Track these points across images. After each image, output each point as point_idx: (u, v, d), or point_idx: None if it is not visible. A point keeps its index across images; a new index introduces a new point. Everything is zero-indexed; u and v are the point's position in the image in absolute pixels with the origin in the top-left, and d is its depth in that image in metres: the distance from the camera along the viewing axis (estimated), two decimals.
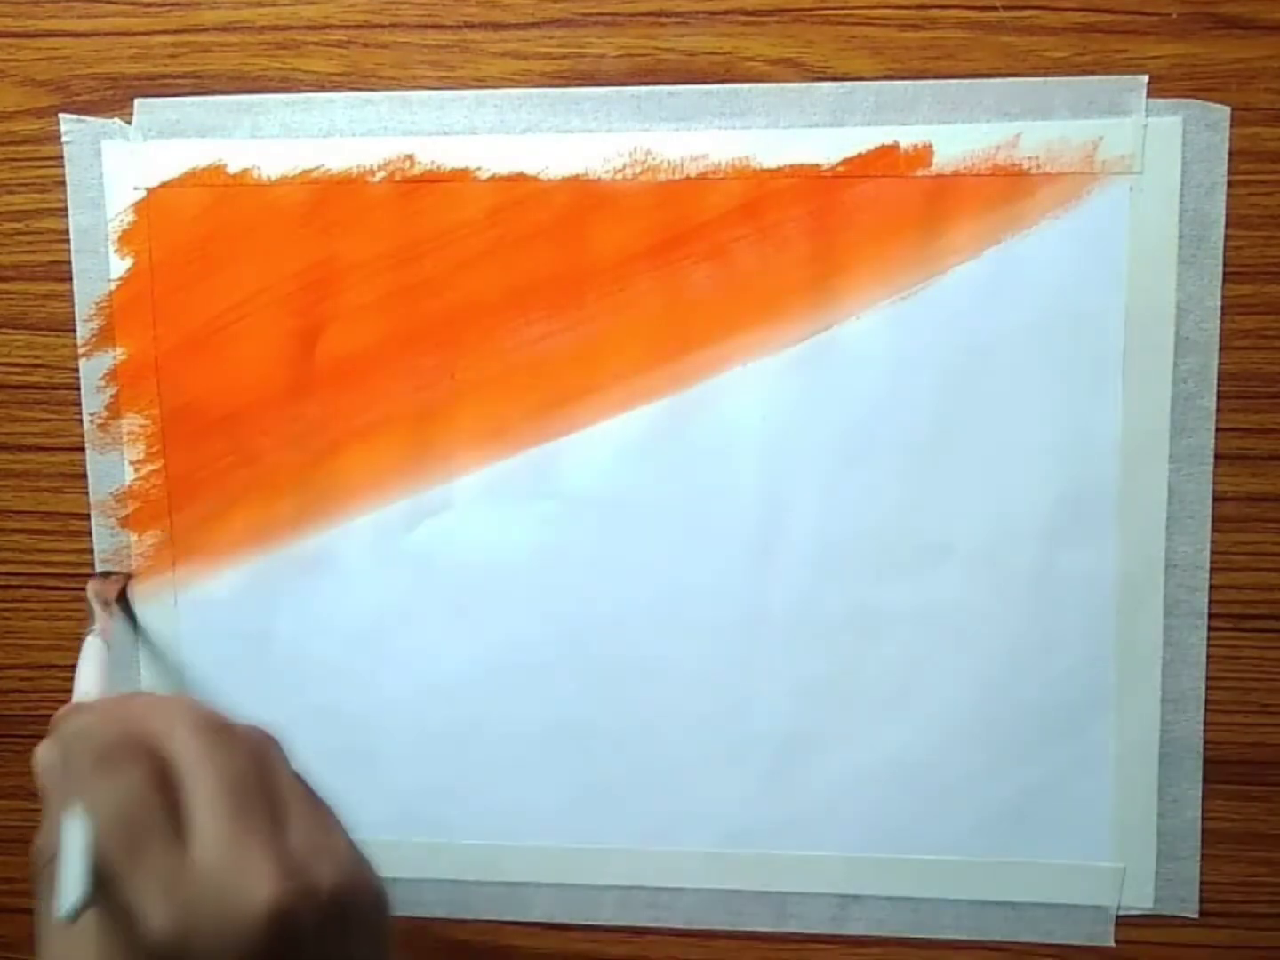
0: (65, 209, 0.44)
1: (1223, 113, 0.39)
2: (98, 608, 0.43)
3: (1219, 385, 0.41)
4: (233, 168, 0.43)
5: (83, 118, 0.43)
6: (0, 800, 0.48)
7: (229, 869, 0.27)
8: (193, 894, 0.27)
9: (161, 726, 0.30)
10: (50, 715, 0.47)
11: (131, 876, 0.27)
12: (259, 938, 0.27)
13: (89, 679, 0.40)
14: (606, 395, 0.43)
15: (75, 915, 0.27)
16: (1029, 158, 0.40)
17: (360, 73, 0.42)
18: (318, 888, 0.28)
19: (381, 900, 0.31)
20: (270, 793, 0.29)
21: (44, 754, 0.31)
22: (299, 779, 0.31)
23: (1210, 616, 0.42)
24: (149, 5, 0.42)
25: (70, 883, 0.27)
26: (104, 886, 0.27)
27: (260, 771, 0.30)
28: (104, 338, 0.44)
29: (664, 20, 0.41)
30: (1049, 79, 0.40)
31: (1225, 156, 0.40)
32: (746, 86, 0.41)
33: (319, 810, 0.31)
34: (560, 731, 0.45)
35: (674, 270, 0.42)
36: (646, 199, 0.41)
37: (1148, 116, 0.40)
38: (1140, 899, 0.44)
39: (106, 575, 0.45)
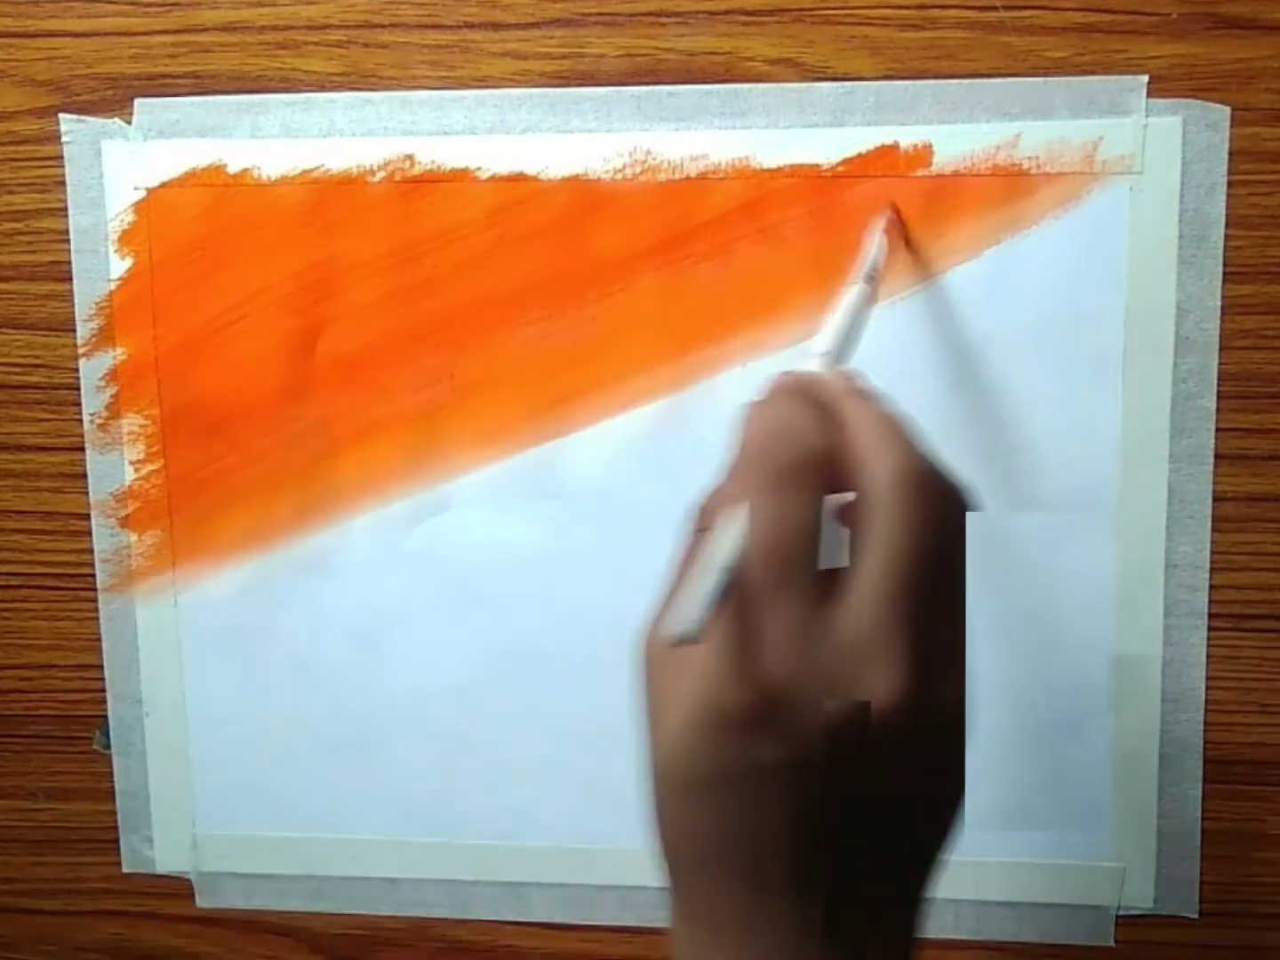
0: (65, 209, 0.44)
1: (1223, 113, 0.39)
2: (876, 251, 0.39)
3: (1219, 385, 0.41)
4: (233, 168, 0.43)
5: (83, 118, 0.43)
6: (0, 800, 0.49)
7: (869, 648, 0.25)
8: (823, 656, 0.25)
9: (871, 459, 0.26)
10: (50, 715, 0.47)
11: (762, 609, 0.25)
12: (867, 732, 0.25)
13: (832, 332, 0.34)
14: (606, 395, 0.43)
15: (689, 638, 0.25)
16: (1029, 158, 0.40)
17: (360, 73, 0.42)
18: (938, 702, 0.26)
19: (958, 750, 0.27)
20: (943, 582, 0.26)
21: (754, 416, 0.28)
22: (963, 569, 0.27)
23: (1210, 616, 0.42)
24: (149, 5, 0.42)
25: (696, 599, 0.25)
26: (732, 607, 0.25)
27: (944, 556, 0.26)
28: (104, 338, 0.44)
29: (664, 20, 0.41)
30: (1049, 79, 0.40)
31: (1225, 156, 0.40)
32: (746, 86, 0.41)
33: (961, 622, 0.27)
34: (560, 731, 0.45)
35: (674, 270, 0.42)
36: (646, 199, 0.41)
37: (1148, 116, 0.40)
38: (1140, 899, 0.44)
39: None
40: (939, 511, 0.26)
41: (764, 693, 0.25)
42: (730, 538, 0.26)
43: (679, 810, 0.27)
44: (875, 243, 0.39)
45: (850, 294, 0.36)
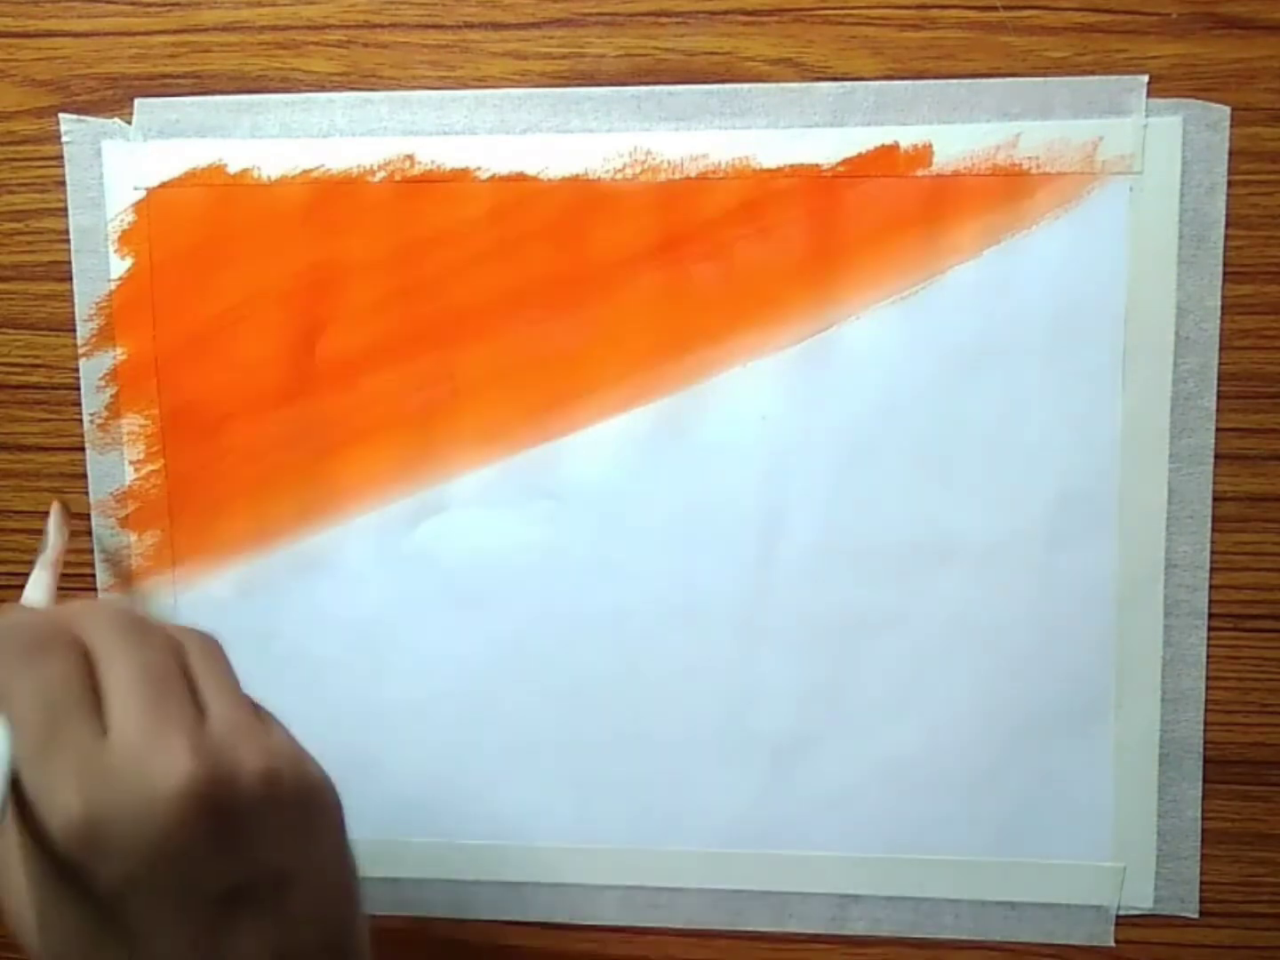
0: (65, 209, 0.44)
1: (1223, 113, 0.39)
2: (55, 535, 0.43)
3: (1219, 385, 0.41)
4: (233, 168, 0.43)
5: (83, 118, 0.43)
6: None
7: (143, 752, 0.27)
8: (106, 778, 0.26)
9: (86, 622, 0.29)
10: None
11: (47, 766, 0.27)
12: (173, 819, 0.26)
13: (33, 595, 0.40)
14: (606, 395, 0.43)
15: None
16: (1029, 158, 0.40)
17: (360, 73, 0.42)
18: (238, 770, 0.27)
19: (321, 793, 0.29)
20: (192, 685, 0.29)
21: None
22: (231, 680, 0.30)
23: (1210, 616, 0.42)
24: (149, 5, 0.42)
25: None
26: (18, 786, 0.27)
27: (182, 665, 0.29)
28: (104, 338, 0.44)
29: (664, 20, 0.41)
30: (1049, 79, 0.40)
31: (1225, 156, 0.40)
32: (746, 86, 0.41)
33: (246, 706, 0.30)
34: (560, 731, 0.45)
35: (674, 270, 0.42)
36: (646, 199, 0.41)
37: (1148, 116, 0.40)
38: (1140, 899, 0.44)
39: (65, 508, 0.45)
40: (156, 636, 0.29)
41: (71, 833, 0.26)
42: None
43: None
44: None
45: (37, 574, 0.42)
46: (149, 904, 0.27)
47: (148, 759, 0.26)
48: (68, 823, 0.26)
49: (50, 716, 0.27)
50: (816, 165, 0.41)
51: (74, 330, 0.44)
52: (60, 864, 0.27)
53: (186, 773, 0.26)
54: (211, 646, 0.31)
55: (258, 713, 0.30)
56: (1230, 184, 0.40)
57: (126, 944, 0.27)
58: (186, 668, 0.29)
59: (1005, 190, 0.40)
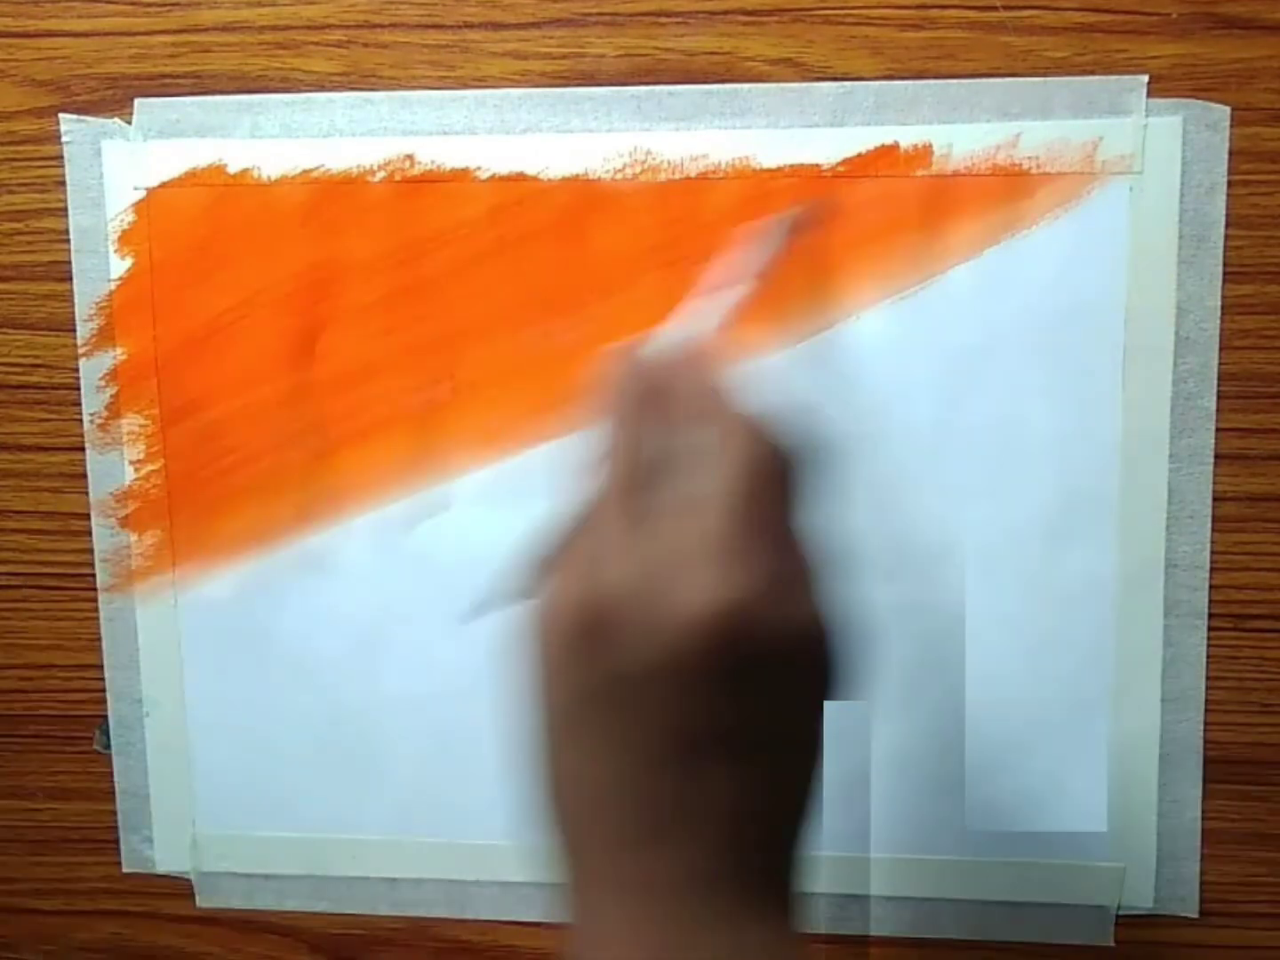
0: (65, 209, 0.44)
1: (1223, 113, 0.39)
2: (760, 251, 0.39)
3: (1219, 385, 0.41)
4: (233, 168, 0.43)
5: (83, 118, 0.43)
6: (0, 800, 0.49)
7: (699, 558, 0.26)
8: (653, 566, 0.26)
9: (710, 397, 0.29)
10: (50, 715, 0.47)
11: (602, 530, 0.27)
12: (694, 641, 0.25)
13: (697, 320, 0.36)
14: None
15: (469, 619, 0.27)
16: (1029, 158, 0.40)
17: (360, 73, 0.42)
18: (779, 619, 0.26)
19: (831, 672, 0.28)
20: (767, 517, 0.27)
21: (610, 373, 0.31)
22: (808, 522, 0.29)
23: (1210, 616, 0.42)
24: (149, 5, 0.42)
25: (494, 584, 0.27)
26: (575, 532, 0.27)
27: (762, 494, 0.27)
28: (104, 338, 0.44)
29: (664, 20, 0.41)
30: (1049, 79, 0.40)
31: (1225, 156, 0.40)
32: (746, 86, 0.41)
33: (805, 555, 0.28)
34: None
35: (674, 270, 0.42)
36: (646, 199, 0.41)
37: (1148, 116, 0.40)
38: (1140, 899, 0.44)
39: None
40: (755, 458, 0.28)
41: (605, 601, 0.26)
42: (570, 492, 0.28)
43: (556, 751, 0.28)
44: (768, 232, 0.39)
45: (723, 296, 0.37)
46: (636, 705, 0.26)
47: (698, 570, 0.26)
48: (602, 588, 0.26)
49: (635, 477, 0.27)
50: (816, 165, 0.41)
51: (74, 330, 0.44)
52: (577, 627, 0.26)
53: (724, 605, 0.25)
54: (799, 468, 0.29)
55: (810, 566, 0.28)
56: (1230, 184, 0.40)
57: (600, 735, 0.27)
58: (785, 490, 0.28)
59: (1005, 190, 0.40)
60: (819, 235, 0.41)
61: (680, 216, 0.41)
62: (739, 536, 0.26)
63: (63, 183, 0.44)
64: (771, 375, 0.42)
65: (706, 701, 0.26)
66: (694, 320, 0.36)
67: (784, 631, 0.26)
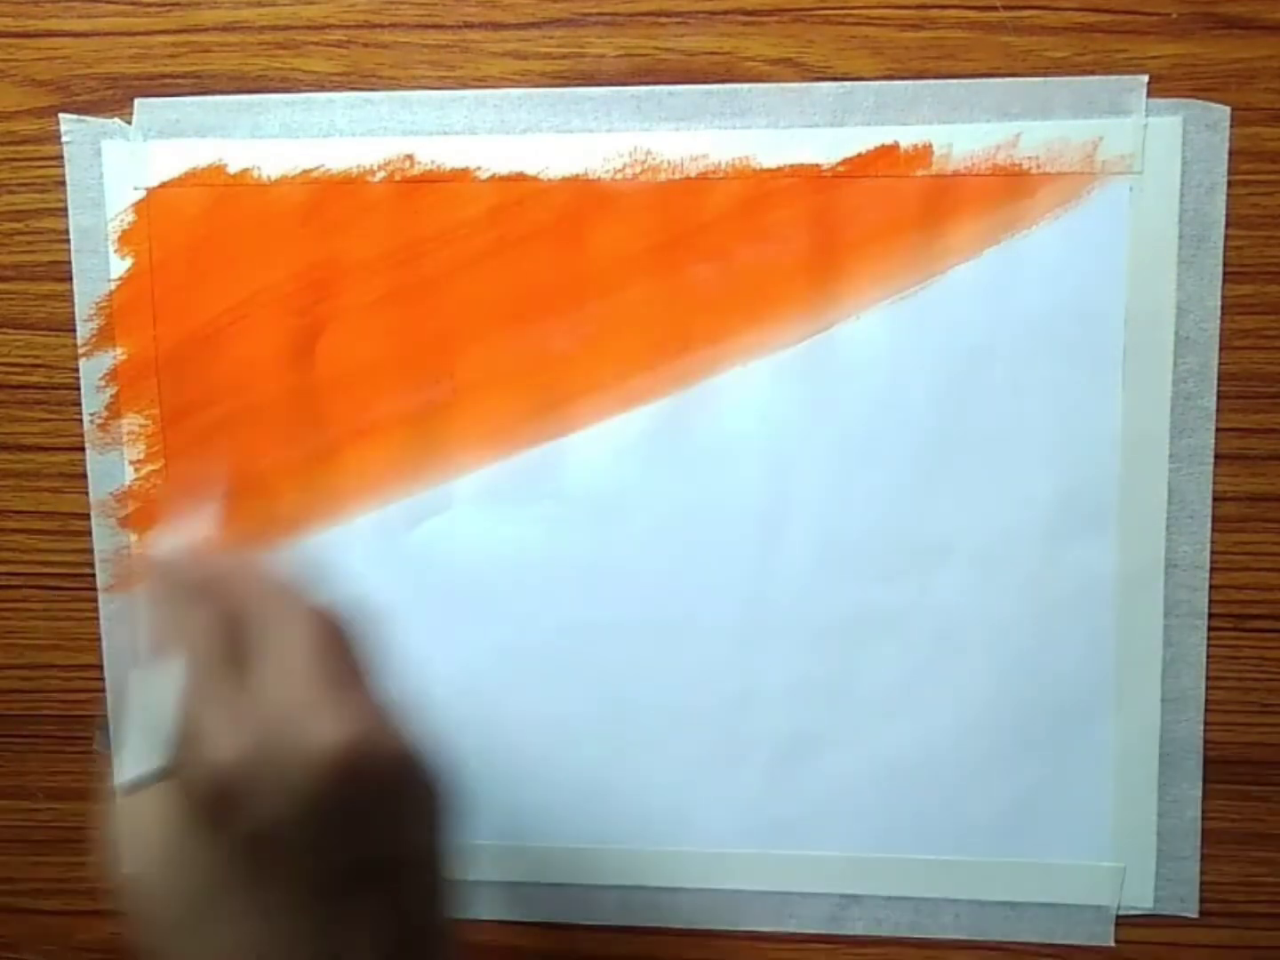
0: (65, 209, 0.44)
1: (1223, 113, 0.39)
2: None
3: (1219, 385, 0.41)
4: (233, 168, 0.43)
5: (83, 118, 0.43)
6: (0, 800, 0.48)
7: (305, 710, 0.27)
8: (266, 728, 0.27)
9: (247, 579, 0.31)
10: (50, 715, 0.47)
11: (205, 706, 0.28)
12: (322, 779, 0.27)
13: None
14: (606, 395, 0.43)
15: (147, 782, 0.28)
16: (1029, 158, 0.40)
17: (360, 73, 0.42)
18: (386, 750, 0.28)
19: (447, 790, 0.30)
20: (350, 656, 0.30)
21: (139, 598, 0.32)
22: (374, 661, 0.31)
23: (1210, 616, 0.42)
24: (149, 5, 0.42)
25: (142, 747, 0.28)
26: (177, 732, 0.28)
27: (335, 637, 0.30)
28: (104, 338, 0.44)
29: (664, 20, 0.41)
30: (1049, 79, 0.40)
31: (1225, 156, 0.40)
32: (746, 86, 0.41)
33: (384, 690, 0.31)
34: (560, 731, 0.45)
35: (674, 270, 0.42)
36: (646, 199, 0.41)
37: (1148, 116, 0.40)
38: (1140, 899, 0.44)
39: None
40: (314, 620, 0.30)
41: (222, 771, 0.27)
42: (163, 682, 0.29)
43: (207, 930, 0.28)
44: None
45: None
46: (278, 860, 0.27)
47: (308, 718, 0.27)
48: (222, 762, 0.27)
49: (216, 660, 0.28)
50: (816, 165, 0.41)
51: (74, 330, 0.44)
52: (206, 803, 0.27)
53: (344, 738, 0.27)
54: (356, 626, 0.31)
55: (393, 707, 0.30)
56: (1230, 184, 0.40)
57: (248, 896, 0.28)
58: (350, 645, 0.30)
59: (1005, 190, 0.40)
60: (820, 234, 0.41)
61: (680, 216, 0.41)
62: (332, 684, 0.28)
63: (63, 183, 0.44)
64: (771, 375, 0.42)
65: (340, 838, 0.28)
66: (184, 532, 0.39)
67: (397, 757, 0.28)
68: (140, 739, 0.28)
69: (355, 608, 0.31)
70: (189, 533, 0.39)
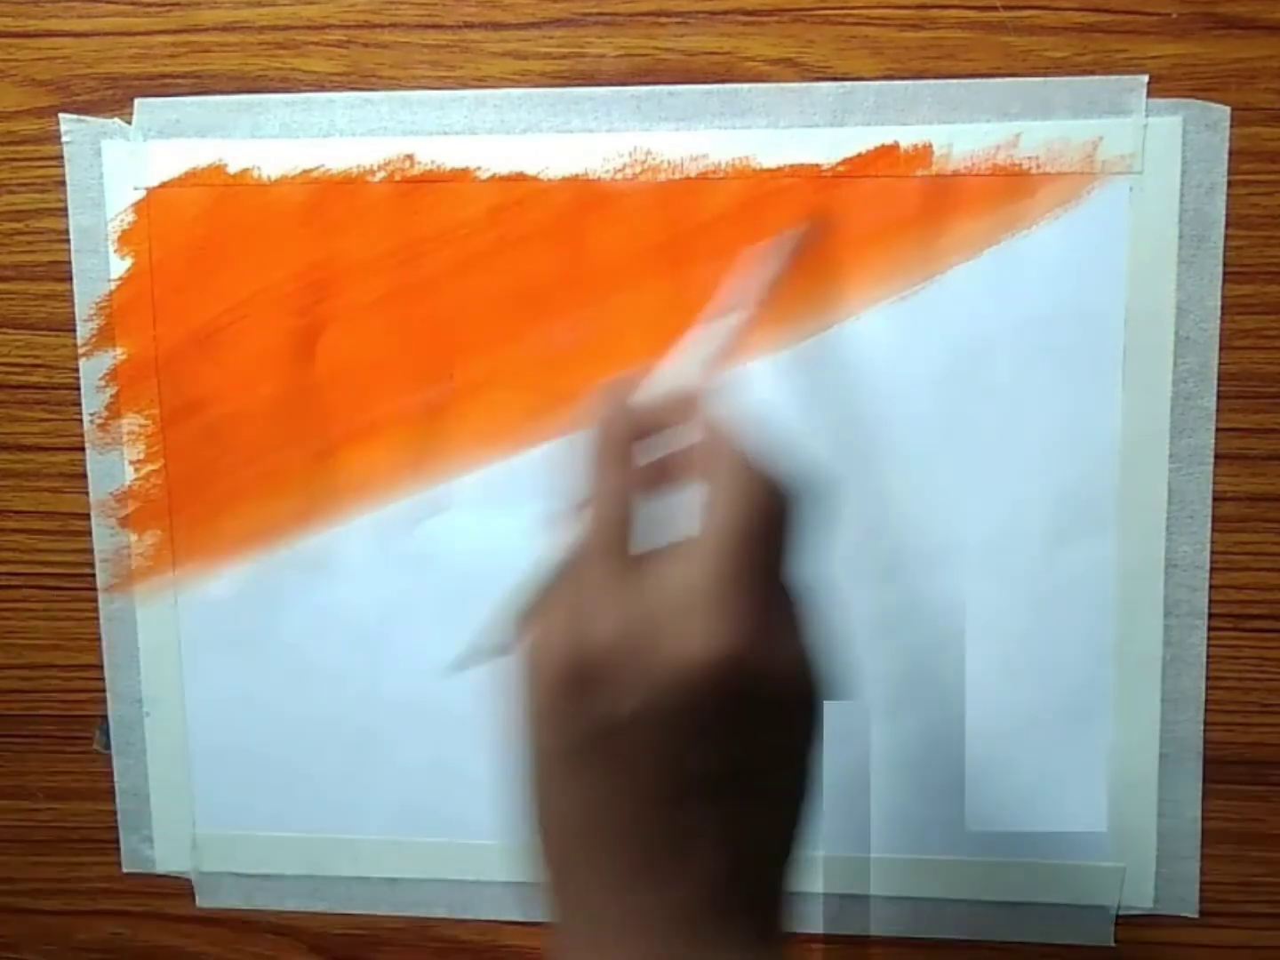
0: (65, 209, 0.44)
1: (1223, 113, 0.39)
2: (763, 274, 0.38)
3: (1219, 385, 0.41)
4: (233, 168, 0.43)
5: (83, 118, 0.43)
6: (0, 800, 0.49)
7: (697, 606, 0.26)
8: (647, 616, 0.26)
9: (703, 444, 0.29)
10: (50, 715, 0.47)
11: (590, 577, 0.27)
12: (693, 690, 0.25)
13: (695, 355, 0.35)
14: None
15: (459, 668, 0.27)
16: (1029, 158, 0.40)
17: (360, 73, 0.42)
18: (766, 667, 0.26)
19: (819, 713, 0.28)
20: (765, 562, 0.27)
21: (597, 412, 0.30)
22: (798, 563, 0.29)
23: (1210, 616, 0.42)
24: (149, 5, 0.42)
25: (483, 631, 0.27)
26: (564, 579, 0.27)
27: (762, 539, 0.27)
28: (104, 338, 0.44)
29: (664, 20, 0.41)
30: (1049, 79, 0.40)
31: (1225, 156, 0.40)
32: (746, 86, 0.41)
33: (797, 599, 0.28)
34: None
35: (674, 270, 0.42)
36: (646, 199, 0.41)
37: (1148, 116, 0.40)
38: (1140, 899, 0.44)
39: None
40: (754, 504, 0.28)
41: (594, 651, 0.26)
42: (553, 544, 0.28)
43: (548, 794, 0.28)
44: (765, 257, 0.39)
45: (725, 322, 0.37)
46: (624, 754, 0.26)
47: (697, 618, 0.26)
48: (593, 641, 0.26)
49: (616, 533, 0.27)
50: (816, 165, 0.41)
51: (74, 330, 0.44)
52: (567, 676, 0.26)
53: (727, 652, 0.26)
54: (801, 503, 0.28)
55: (799, 609, 0.29)
56: (1230, 184, 0.40)
57: (588, 778, 0.27)
58: (781, 535, 0.28)
59: (1005, 190, 0.40)
60: (820, 243, 0.41)
61: (680, 216, 0.41)
62: (730, 584, 0.26)
63: (63, 183, 0.44)
64: (771, 375, 0.42)
65: (694, 746, 0.26)
66: (695, 350, 0.36)
67: (772, 677, 0.27)
68: (488, 620, 0.27)
69: (808, 480, 0.28)
70: (705, 351, 0.35)
